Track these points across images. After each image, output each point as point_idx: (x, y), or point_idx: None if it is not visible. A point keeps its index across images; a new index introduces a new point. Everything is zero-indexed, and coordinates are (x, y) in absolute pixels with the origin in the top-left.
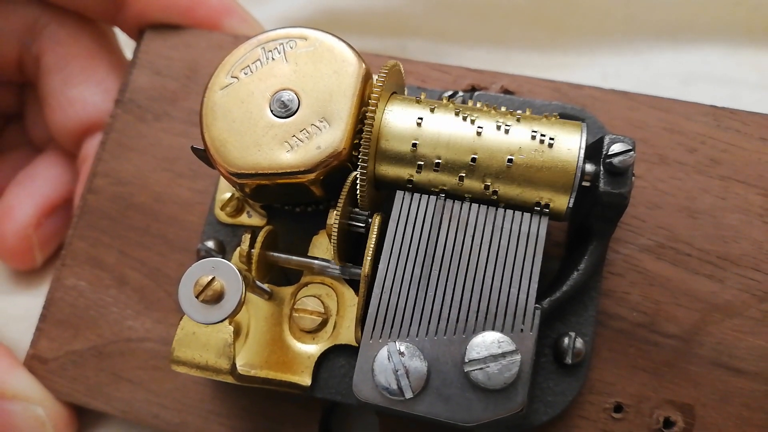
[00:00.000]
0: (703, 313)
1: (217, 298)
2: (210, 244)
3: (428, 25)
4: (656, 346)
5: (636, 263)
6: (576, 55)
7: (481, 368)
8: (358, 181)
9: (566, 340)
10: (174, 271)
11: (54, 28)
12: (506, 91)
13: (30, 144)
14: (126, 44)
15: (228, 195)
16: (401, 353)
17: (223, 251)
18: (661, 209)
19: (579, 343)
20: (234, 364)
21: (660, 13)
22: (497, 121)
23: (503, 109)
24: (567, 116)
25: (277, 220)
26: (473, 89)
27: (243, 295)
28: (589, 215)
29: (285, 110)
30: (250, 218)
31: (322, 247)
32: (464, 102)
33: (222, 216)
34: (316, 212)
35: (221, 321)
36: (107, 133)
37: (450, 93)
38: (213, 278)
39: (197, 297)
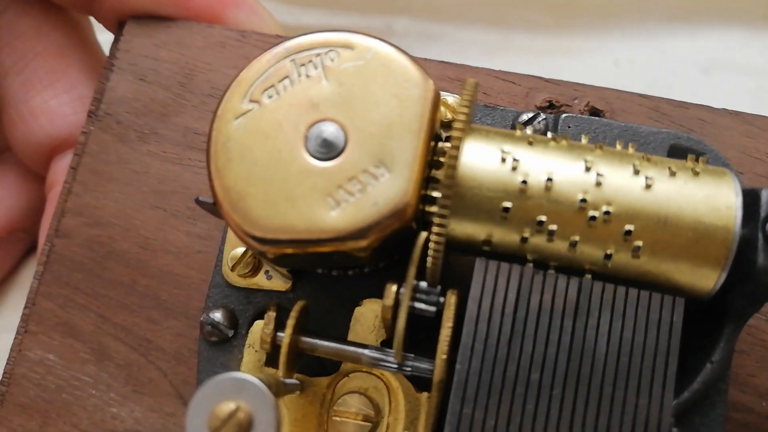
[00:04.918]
0: None
1: None
2: (217, 315)
3: (417, 2)
4: None
5: (764, 337)
6: (584, 38)
7: None
8: (431, 247)
9: None
10: (169, 342)
11: (11, 17)
12: (593, 111)
13: None
14: (105, 41)
15: (241, 251)
16: None
17: (235, 324)
18: None
19: None
20: None
21: None
22: (622, 167)
23: (620, 147)
24: (681, 149)
25: (305, 284)
26: (551, 106)
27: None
28: (729, 292)
29: (327, 150)
30: (270, 281)
31: (367, 322)
32: (547, 126)
33: (233, 277)
34: (358, 275)
35: None
36: (78, 157)
37: (531, 115)
38: (237, 408)
39: None
